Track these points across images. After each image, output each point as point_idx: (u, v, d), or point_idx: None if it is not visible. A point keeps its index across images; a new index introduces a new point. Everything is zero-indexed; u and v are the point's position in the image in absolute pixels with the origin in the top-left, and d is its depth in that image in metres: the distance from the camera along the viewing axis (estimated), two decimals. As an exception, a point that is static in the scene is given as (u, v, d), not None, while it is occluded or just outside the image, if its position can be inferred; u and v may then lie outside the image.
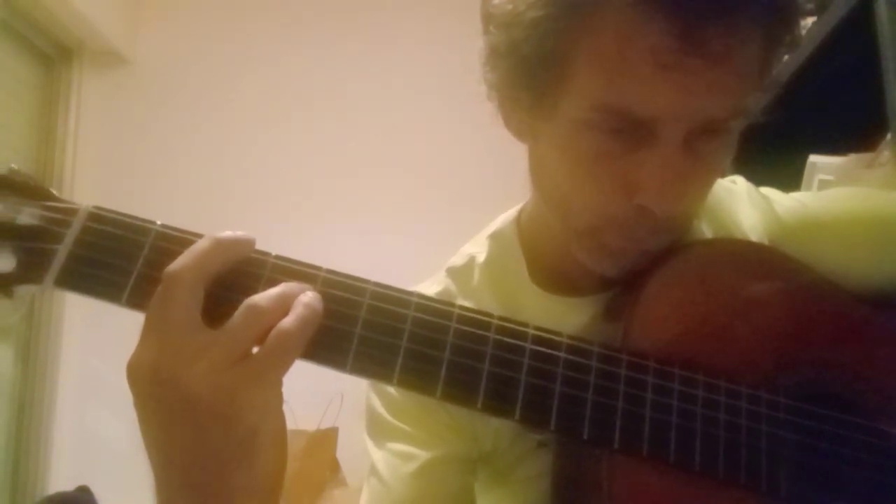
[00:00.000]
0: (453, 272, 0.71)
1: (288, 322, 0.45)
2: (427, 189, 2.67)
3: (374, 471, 0.66)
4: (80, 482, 2.34)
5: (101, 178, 2.72)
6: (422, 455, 0.63)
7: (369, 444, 0.68)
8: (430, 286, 0.70)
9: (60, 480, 2.45)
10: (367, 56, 2.81)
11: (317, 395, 1.75)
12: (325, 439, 2.27)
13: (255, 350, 0.46)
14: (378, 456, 0.66)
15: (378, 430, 0.67)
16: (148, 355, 0.44)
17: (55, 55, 2.74)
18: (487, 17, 0.57)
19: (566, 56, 0.53)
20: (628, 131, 0.53)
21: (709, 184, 0.60)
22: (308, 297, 0.47)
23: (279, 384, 0.47)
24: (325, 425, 2.25)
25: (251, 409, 0.45)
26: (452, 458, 0.64)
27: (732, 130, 0.57)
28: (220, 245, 0.47)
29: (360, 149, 2.75)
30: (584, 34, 0.52)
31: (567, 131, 0.56)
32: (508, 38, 0.55)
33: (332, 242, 2.59)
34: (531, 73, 0.55)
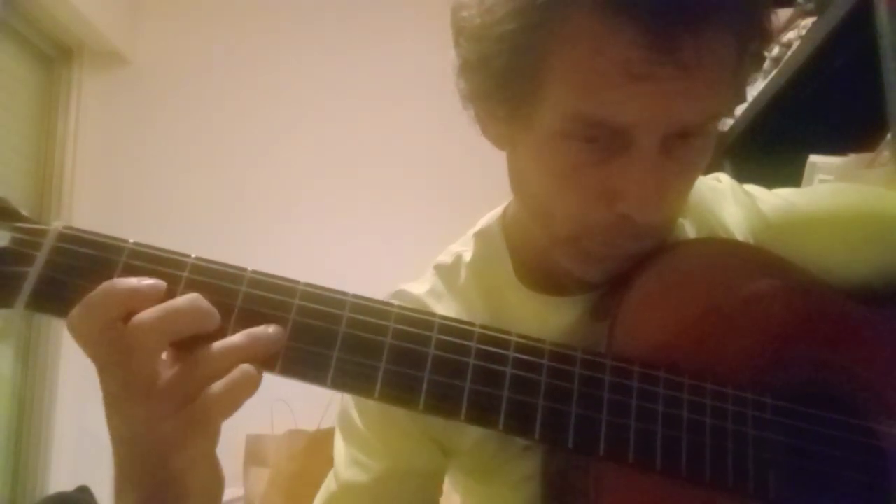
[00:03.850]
0: (441, 270, 0.70)
1: (218, 387, 0.46)
2: (429, 190, 2.66)
3: (335, 466, 0.67)
4: (80, 482, 2.34)
5: (101, 178, 2.71)
6: (375, 467, 0.63)
7: (337, 435, 0.68)
8: (419, 285, 0.70)
9: (60, 480, 2.45)
10: (366, 56, 2.81)
11: (317, 395, 1.74)
12: (325, 439, 2.25)
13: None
14: (341, 453, 0.66)
15: (345, 428, 0.67)
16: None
17: (55, 55, 2.73)
18: (457, 30, 0.57)
19: (538, 68, 0.53)
20: (605, 140, 0.53)
21: (688, 186, 0.60)
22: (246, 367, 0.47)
23: (202, 438, 0.47)
24: (325, 425, 2.24)
25: (179, 457, 0.46)
26: (407, 471, 0.64)
27: (710, 133, 0.56)
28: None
29: (362, 148, 2.75)
30: (554, 46, 0.52)
31: (544, 142, 0.56)
32: (479, 52, 0.55)
33: (332, 241, 2.59)
34: (504, 85, 0.55)
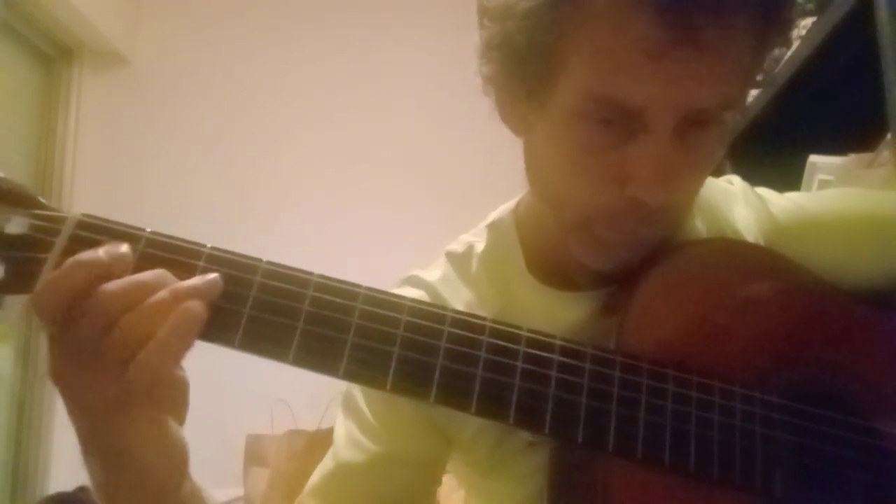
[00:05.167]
0: (453, 258, 0.70)
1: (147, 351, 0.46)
2: (430, 189, 2.67)
3: (334, 444, 0.67)
4: (80, 482, 2.34)
5: (101, 178, 2.71)
6: (373, 450, 0.64)
7: (339, 414, 0.69)
8: (431, 272, 0.70)
9: (60, 480, 2.45)
10: (367, 55, 2.81)
11: (317, 395, 1.75)
12: (325, 439, 2.25)
13: None
14: (342, 432, 0.67)
15: (349, 408, 0.67)
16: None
17: (55, 55, 2.74)
18: (482, 11, 0.58)
19: (558, 46, 0.54)
20: (619, 122, 0.54)
21: (700, 177, 0.61)
22: (184, 310, 0.46)
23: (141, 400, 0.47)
24: (326, 425, 2.24)
25: (118, 434, 0.48)
26: (405, 458, 0.64)
27: (724, 122, 0.57)
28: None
29: (362, 148, 2.75)
30: (574, 24, 0.53)
31: (560, 122, 0.56)
32: (502, 30, 0.56)
33: (332, 241, 2.59)
34: (524, 64, 0.56)
